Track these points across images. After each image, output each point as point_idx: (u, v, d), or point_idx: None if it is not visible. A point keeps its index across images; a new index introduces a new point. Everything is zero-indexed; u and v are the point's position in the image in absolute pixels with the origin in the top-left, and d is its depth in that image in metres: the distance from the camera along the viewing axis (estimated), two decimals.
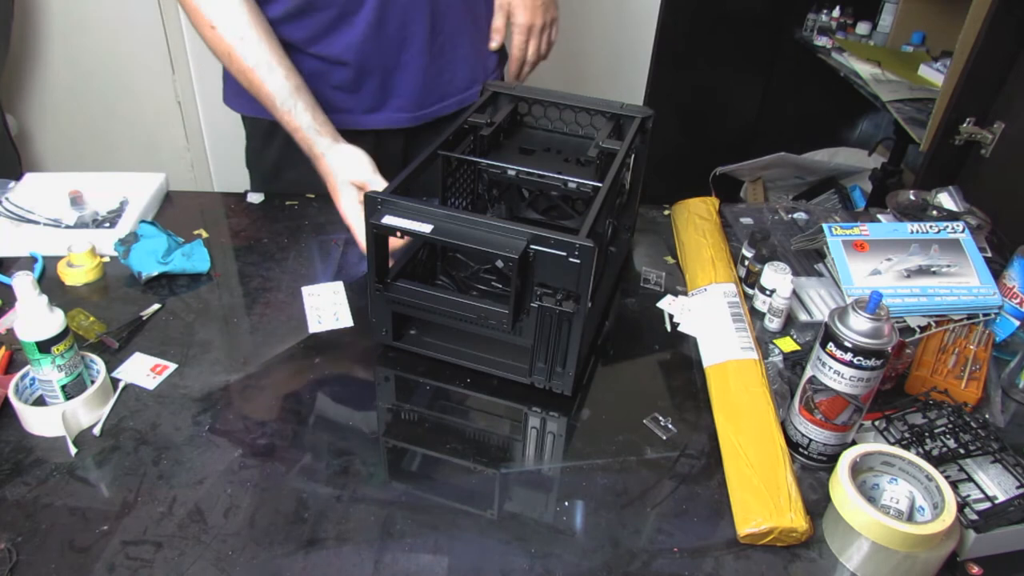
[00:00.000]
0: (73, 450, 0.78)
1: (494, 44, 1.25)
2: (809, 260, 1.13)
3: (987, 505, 0.73)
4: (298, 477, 0.77)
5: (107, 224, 1.13)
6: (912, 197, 1.20)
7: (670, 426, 0.86)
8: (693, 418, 0.87)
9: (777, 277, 0.99)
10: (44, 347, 0.76)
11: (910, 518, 0.72)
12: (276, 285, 1.04)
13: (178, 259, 1.03)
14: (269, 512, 0.73)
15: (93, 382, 0.82)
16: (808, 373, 0.78)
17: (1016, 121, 1.39)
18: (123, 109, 2.21)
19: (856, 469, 0.72)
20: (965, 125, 1.46)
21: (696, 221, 1.17)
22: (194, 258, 1.04)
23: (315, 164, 1.03)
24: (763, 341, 0.98)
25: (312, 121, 1.02)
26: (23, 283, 0.74)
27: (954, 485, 0.74)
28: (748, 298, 1.05)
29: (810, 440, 0.80)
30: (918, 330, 0.96)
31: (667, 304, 1.05)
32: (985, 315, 0.98)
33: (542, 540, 0.72)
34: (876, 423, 0.83)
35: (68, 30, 2.04)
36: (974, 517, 0.72)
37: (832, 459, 0.79)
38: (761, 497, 0.74)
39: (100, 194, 1.17)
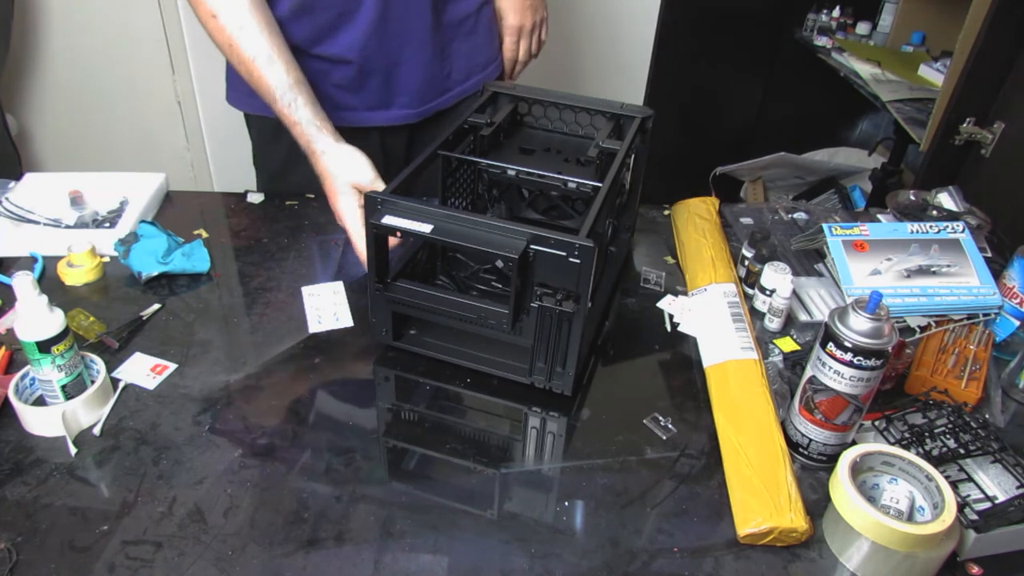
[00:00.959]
0: (73, 450, 0.78)
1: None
2: (809, 260, 1.13)
3: (987, 505, 0.73)
4: (298, 477, 0.77)
5: (107, 224, 1.13)
6: (912, 197, 1.19)
7: (670, 426, 0.86)
8: (693, 418, 0.87)
9: (777, 277, 0.99)
10: (44, 347, 0.76)
11: (910, 518, 0.72)
12: (276, 285, 1.04)
13: (178, 259, 1.03)
14: (269, 512, 0.73)
15: (93, 382, 0.82)
16: (808, 373, 0.78)
17: (1016, 121, 1.40)
18: (123, 109, 2.20)
19: (856, 469, 0.72)
20: (965, 125, 1.47)
21: (696, 221, 1.17)
22: (194, 258, 1.04)
23: (312, 160, 1.03)
24: (763, 341, 0.98)
25: (312, 117, 1.01)
26: (23, 283, 0.74)
27: (954, 485, 0.74)
28: (748, 298, 1.05)
29: (810, 440, 0.80)
30: (918, 330, 0.96)
31: (667, 304, 1.05)
32: (985, 315, 0.98)
33: (542, 540, 0.72)
34: (876, 423, 0.83)
35: (68, 30, 2.04)
36: (974, 517, 0.72)
37: (832, 459, 0.79)
38: (761, 497, 0.74)
39: (100, 194, 1.17)
